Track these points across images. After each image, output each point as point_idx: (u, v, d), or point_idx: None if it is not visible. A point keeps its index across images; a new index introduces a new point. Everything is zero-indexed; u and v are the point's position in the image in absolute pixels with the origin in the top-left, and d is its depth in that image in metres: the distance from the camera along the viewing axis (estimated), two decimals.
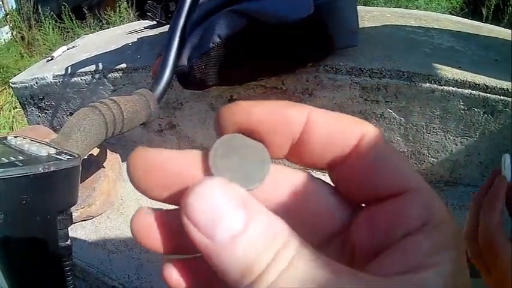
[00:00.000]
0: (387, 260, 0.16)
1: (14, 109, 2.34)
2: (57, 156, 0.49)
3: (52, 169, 0.45)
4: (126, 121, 0.70)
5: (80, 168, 0.52)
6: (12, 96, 2.28)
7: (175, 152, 0.16)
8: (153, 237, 0.16)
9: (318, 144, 0.16)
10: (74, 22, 3.11)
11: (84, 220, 1.04)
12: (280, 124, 0.16)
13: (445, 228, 0.16)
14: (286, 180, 0.17)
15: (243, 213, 0.13)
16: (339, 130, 0.16)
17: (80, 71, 1.25)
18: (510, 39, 1.05)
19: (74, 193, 0.51)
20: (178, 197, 0.14)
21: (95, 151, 1.07)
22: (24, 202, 0.42)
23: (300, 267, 0.13)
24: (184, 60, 0.82)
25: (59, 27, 3.20)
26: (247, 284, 0.13)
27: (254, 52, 0.79)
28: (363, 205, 0.18)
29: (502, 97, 0.83)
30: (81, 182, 1.09)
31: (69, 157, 0.49)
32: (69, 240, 0.53)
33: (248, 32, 0.78)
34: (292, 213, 0.17)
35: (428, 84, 0.85)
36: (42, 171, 0.44)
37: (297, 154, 0.17)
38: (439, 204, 0.17)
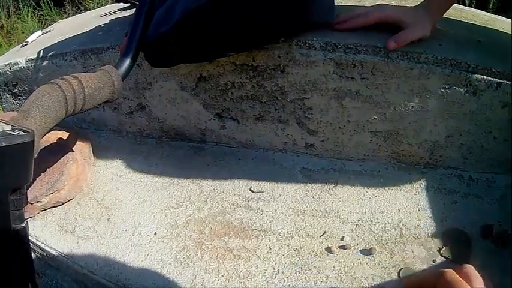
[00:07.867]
0: None
1: None
2: (11, 132, 0.47)
3: (3, 144, 0.43)
4: (88, 98, 0.67)
5: (34, 144, 0.49)
6: None
7: None
8: None
9: None
10: (53, 9, 3.06)
11: (54, 207, 1.00)
12: None
13: None
14: None
15: None
16: None
17: (51, 54, 1.21)
18: (494, 23, 1.03)
19: (28, 170, 0.48)
20: None
21: (64, 135, 1.03)
22: None
23: None
24: (150, 36, 0.79)
25: (37, 14, 3.14)
26: None
27: (222, 26, 0.76)
28: None
29: (484, 77, 0.81)
30: (49, 167, 1.06)
31: (22, 133, 0.47)
32: (24, 222, 0.50)
33: (215, 4, 0.74)
34: None
35: (406, 61, 0.82)
36: None
37: None
38: None
